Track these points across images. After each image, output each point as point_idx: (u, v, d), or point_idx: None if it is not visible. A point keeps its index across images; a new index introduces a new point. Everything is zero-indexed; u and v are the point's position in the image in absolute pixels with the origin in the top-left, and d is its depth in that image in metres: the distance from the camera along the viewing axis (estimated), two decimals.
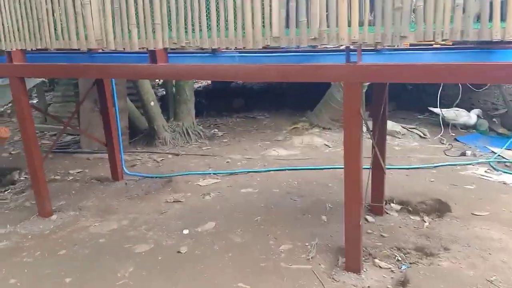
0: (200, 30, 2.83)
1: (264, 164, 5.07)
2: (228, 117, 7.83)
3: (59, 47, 3.36)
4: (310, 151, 5.50)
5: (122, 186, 4.68)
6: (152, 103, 6.05)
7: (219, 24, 2.78)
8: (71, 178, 5.11)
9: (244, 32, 2.70)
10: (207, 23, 2.81)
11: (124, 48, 3.11)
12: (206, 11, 2.79)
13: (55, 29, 3.32)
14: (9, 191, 4.86)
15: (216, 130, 6.97)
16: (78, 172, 5.34)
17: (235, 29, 2.72)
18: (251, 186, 4.41)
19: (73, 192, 4.60)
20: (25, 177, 5.47)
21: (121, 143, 4.88)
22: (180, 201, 4.13)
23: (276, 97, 8.70)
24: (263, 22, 2.66)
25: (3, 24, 3.48)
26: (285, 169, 4.82)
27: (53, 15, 3.29)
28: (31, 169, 3.91)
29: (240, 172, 4.82)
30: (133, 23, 3.01)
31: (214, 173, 4.81)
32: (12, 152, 6.49)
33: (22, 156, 6.18)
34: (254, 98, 9.08)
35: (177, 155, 5.65)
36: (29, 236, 3.63)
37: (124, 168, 4.97)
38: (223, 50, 3.18)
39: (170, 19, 2.90)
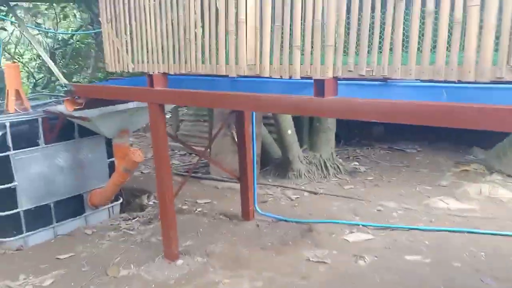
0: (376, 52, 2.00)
1: (431, 220, 3.99)
2: (368, 147, 6.84)
3: (205, 72, 2.84)
4: (494, 207, 4.23)
5: (253, 229, 4.04)
6: (289, 132, 5.38)
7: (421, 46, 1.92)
8: (198, 210, 4.65)
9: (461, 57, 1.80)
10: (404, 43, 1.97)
11: (281, 76, 2.43)
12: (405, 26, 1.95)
13: (202, 52, 2.80)
14: (136, 219, 4.57)
15: (356, 163, 6.04)
16: (206, 203, 4.88)
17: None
18: (419, 252, 3.39)
19: (201, 230, 4.09)
20: (154, 202, 5.20)
21: (256, 179, 4.26)
22: (325, 262, 3.30)
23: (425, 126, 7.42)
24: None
25: (146, 45, 3.10)
26: (464, 231, 3.67)
27: (202, 35, 2.77)
28: (162, 209, 3.46)
29: (399, 228, 3.82)
30: (297, 44, 2.31)
31: (363, 225, 3.90)
32: (143, 172, 6.39)
33: (152, 177, 6.02)
34: (396, 125, 7.91)
35: (315, 193, 4.86)
36: (152, 285, 3.15)
37: (256, 206, 4.34)
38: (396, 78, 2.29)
39: (348, 40, 2.13)
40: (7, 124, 4.01)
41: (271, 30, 2.43)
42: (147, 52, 3.11)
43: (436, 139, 6.71)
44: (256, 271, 3.25)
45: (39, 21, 9.30)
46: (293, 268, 3.25)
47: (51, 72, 9.13)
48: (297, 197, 4.79)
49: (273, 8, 2.39)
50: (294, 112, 2.88)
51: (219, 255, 3.54)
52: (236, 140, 5.53)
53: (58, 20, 9.38)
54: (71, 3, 7.54)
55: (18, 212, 4.17)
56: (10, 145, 4.05)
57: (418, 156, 6.23)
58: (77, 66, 9.15)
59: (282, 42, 2.39)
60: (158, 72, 3.08)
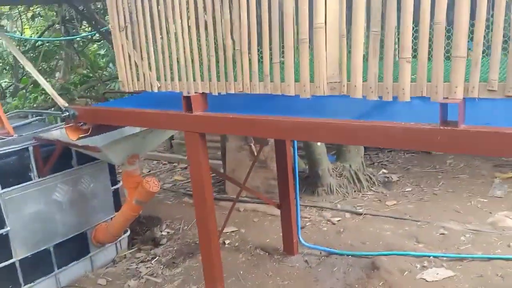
0: None
1: (509, 244, 3.44)
2: (391, 150, 6.25)
3: (264, 92, 2.15)
4: None
5: (303, 267, 3.39)
6: (319, 143, 4.75)
7: None
8: (227, 242, 3.98)
9: None
10: None
11: (381, 96, 1.78)
12: None
13: (260, 67, 2.11)
14: (156, 259, 3.85)
15: (385, 171, 5.46)
16: (233, 231, 4.21)
17: None
18: None
19: (241, 272, 3.42)
20: (168, 232, 4.50)
21: (299, 206, 3.61)
22: None
23: None
24: None
25: (180, 58, 2.38)
26: None
27: (260, 46, 2.08)
28: (205, 256, 2.74)
29: (478, 258, 3.25)
30: (405, 56, 1.66)
31: (435, 256, 3.31)
32: None
33: (161, 200, 5.30)
34: None
35: (358, 214, 4.24)
36: None
37: (300, 237, 3.69)
38: None
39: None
40: None
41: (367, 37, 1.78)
42: (180, 68, 2.40)
43: None
44: None
45: (2, 23, 8.27)
46: None
47: (17, 77, 8.08)
48: (339, 220, 4.16)
49: (368, 7, 1.74)
50: (420, 147, 2.08)
51: None
52: (255, 154, 4.89)
53: (26, 21, 8.36)
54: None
55: (13, 263, 3.41)
56: None
57: (448, 158, 5.70)
58: (47, 69, 8.13)
59: (382, 53, 1.74)
60: (196, 93, 2.37)
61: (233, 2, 2.10)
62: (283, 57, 2.03)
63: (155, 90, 2.55)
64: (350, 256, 3.44)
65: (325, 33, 1.86)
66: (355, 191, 4.81)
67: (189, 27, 2.29)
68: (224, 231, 4.22)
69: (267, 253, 3.66)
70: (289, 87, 2.04)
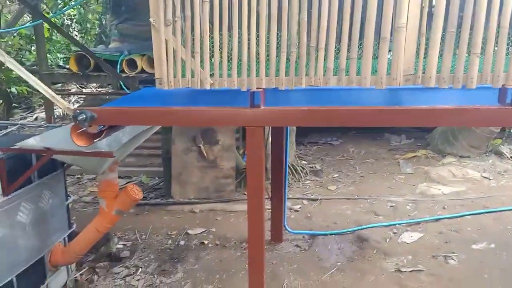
0: None
1: (443, 207, 4.36)
2: (299, 145, 6.95)
3: (337, 85, 2.41)
4: (478, 186, 4.87)
5: (297, 251, 3.67)
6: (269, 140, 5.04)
7: None
8: (204, 243, 3.96)
9: None
10: None
11: (453, 85, 2.27)
12: None
13: (335, 60, 2.36)
14: (139, 271, 3.59)
15: (304, 162, 6.08)
16: (203, 232, 4.19)
17: None
18: (477, 239, 3.67)
19: (245, 266, 3.50)
20: (124, 244, 4.21)
21: (286, 194, 3.86)
22: (421, 269, 3.28)
23: None
24: None
25: (242, 54, 2.42)
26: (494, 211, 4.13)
27: (338, 41, 2.33)
28: (252, 250, 2.79)
29: (429, 220, 4.05)
30: (476, 52, 2.18)
31: (399, 224, 3.99)
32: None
33: (90, 214, 4.84)
34: None
35: (314, 200, 4.71)
36: None
37: (286, 225, 3.95)
38: None
39: None
40: None
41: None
42: (242, 63, 2.45)
43: (338, 129, 7.30)
44: None
45: None
46: (400, 285, 3.11)
47: None
48: (300, 207, 4.56)
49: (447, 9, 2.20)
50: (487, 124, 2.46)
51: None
52: (206, 155, 4.96)
53: None
54: None
55: None
56: None
57: (348, 147, 6.67)
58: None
59: (456, 49, 2.24)
60: (259, 88, 2.47)
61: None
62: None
63: (207, 87, 2.52)
64: (333, 235, 3.87)
65: (406, 32, 2.24)
66: (295, 181, 5.28)
67: (257, 23, 2.38)
68: (190, 233, 4.20)
69: None
70: (365, 79, 2.35)
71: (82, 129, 2.64)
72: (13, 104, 9.48)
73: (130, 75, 5.25)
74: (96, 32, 10.91)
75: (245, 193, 5.06)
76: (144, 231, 4.34)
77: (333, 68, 2.38)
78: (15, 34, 7.87)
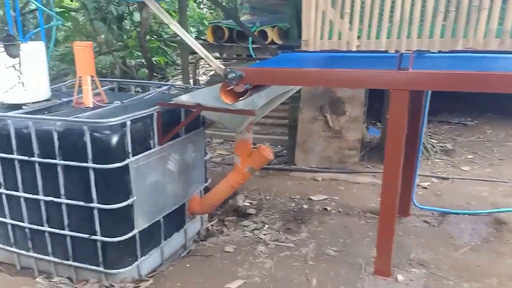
0: None
1: None
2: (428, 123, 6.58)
3: (499, 49, 2.25)
4: None
5: (425, 226, 3.57)
6: None
7: None
8: (326, 209, 4.04)
9: None
10: None
11: None
12: None
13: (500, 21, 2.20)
14: (265, 227, 3.81)
15: (434, 141, 5.76)
16: (324, 199, 4.27)
17: None
18: None
19: (371, 234, 3.52)
20: (250, 203, 4.48)
21: (417, 169, 3.74)
22: None
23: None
24: None
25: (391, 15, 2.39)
26: None
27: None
28: (384, 215, 2.80)
29: None
30: None
31: None
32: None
33: (219, 174, 5.22)
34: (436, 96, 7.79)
35: (445, 179, 4.49)
36: None
37: (415, 200, 3.84)
38: None
39: None
40: (128, 123, 3.04)
41: None
42: (393, 25, 2.41)
43: (479, 110, 6.67)
44: (498, 279, 2.81)
45: None
46: None
47: None
48: (429, 184, 4.38)
49: None
50: None
51: (433, 262, 3.02)
52: (332, 125, 4.97)
53: None
54: None
55: (134, 235, 3.25)
56: (130, 150, 3.10)
57: (484, 129, 6.13)
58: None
59: None
60: (408, 51, 2.41)
61: None
62: None
63: (353, 49, 2.54)
64: (466, 215, 3.66)
65: None
66: (423, 159, 5.05)
67: None
68: (312, 198, 4.30)
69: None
70: None
71: (230, 87, 2.86)
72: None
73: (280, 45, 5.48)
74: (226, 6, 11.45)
75: (369, 166, 5.01)
76: (268, 193, 4.57)
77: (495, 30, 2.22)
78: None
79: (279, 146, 6.15)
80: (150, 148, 3.33)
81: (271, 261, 3.17)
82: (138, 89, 4.42)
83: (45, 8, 3.83)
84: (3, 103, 3.39)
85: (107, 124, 2.92)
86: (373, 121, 6.19)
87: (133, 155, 3.13)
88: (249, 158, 3.67)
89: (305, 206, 4.15)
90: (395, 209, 2.71)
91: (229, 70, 2.80)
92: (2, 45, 2.99)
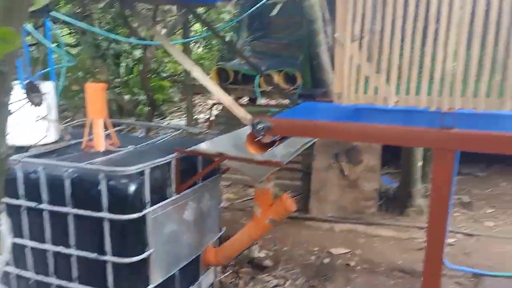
0: None
1: None
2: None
3: None
4: None
5: None
6: (419, 164, 4.79)
7: None
8: (350, 264, 3.83)
9: None
10: None
11: None
12: None
13: None
14: (287, 283, 3.59)
15: None
16: (345, 253, 4.06)
17: None
18: None
19: None
20: (266, 254, 4.25)
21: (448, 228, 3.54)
22: None
23: None
24: None
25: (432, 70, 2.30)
26: None
27: None
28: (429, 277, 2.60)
29: None
30: None
31: None
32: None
33: (231, 220, 5.03)
34: None
35: (470, 235, 4.30)
36: None
37: (445, 259, 3.63)
38: None
39: None
40: (147, 171, 2.89)
41: None
42: (434, 81, 2.32)
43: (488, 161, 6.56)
44: None
45: None
46: None
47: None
48: (454, 242, 4.19)
49: None
50: None
51: None
52: (348, 173, 4.83)
53: None
54: None
55: None
56: (148, 199, 2.94)
57: (498, 181, 6.00)
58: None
59: None
60: (451, 109, 2.31)
61: None
62: None
63: (391, 104, 2.44)
64: (503, 278, 3.45)
65: None
66: None
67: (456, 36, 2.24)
68: (335, 252, 4.09)
69: (408, 275, 3.57)
70: None
71: (258, 138, 2.74)
72: None
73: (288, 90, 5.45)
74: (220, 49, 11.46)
75: (387, 217, 4.83)
76: (284, 243, 4.36)
77: None
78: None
79: (289, 191, 5.97)
80: (167, 197, 3.16)
81: None
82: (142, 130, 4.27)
83: (56, 48, 3.75)
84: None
85: (125, 172, 2.77)
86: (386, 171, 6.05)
87: (151, 205, 2.97)
88: (270, 209, 3.50)
89: (326, 260, 3.93)
90: (439, 278, 2.53)
91: (257, 121, 2.68)
92: (24, 93, 2.87)
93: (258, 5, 5.85)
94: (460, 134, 2.23)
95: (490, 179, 6.16)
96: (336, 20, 2.48)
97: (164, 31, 8.65)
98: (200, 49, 12.32)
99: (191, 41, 8.04)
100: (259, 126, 2.68)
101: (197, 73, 2.94)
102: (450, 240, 4.18)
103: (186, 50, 7.24)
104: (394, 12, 2.31)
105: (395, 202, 4.92)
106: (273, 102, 9.54)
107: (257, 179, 3.48)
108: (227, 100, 2.85)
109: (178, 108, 11.23)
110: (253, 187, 4.96)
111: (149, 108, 8.72)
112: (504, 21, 2.11)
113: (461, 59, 2.25)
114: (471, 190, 5.77)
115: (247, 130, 2.77)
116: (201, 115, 10.21)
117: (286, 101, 6.54)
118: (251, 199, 5.37)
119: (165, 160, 3.07)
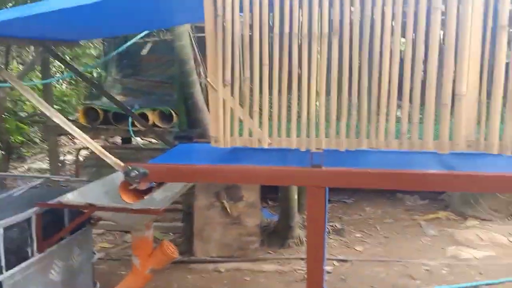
0: None
1: (480, 272, 4.22)
2: None
3: (398, 149, 2.41)
4: (506, 251, 4.75)
5: None
6: (296, 197, 4.99)
7: None
8: None
9: None
10: None
11: None
12: None
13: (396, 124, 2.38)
14: None
15: None
16: None
17: None
18: None
19: None
20: None
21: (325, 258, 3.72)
22: None
23: None
24: None
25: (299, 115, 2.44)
26: None
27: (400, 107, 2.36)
28: None
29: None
30: None
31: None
32: None
33: (110, 272, 4.65)
34: None
35: (344, 261, 4.57)
36: None
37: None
38: None
39: None
40: (0, 231, 2.54)
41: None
42: (301, 125, 2.46)
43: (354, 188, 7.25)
44: None
45: None
46: None
47: None
48: (332, 269, 4.41)
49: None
50: None
51: None
52: (230, 211, 4.86)
53: None
54: None
55: None
56: (3, 264, 2.57)
57: (363, 206, 6.59)
58: None
59: None
60: (318, 149, 2.46)
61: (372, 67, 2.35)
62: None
63: (265, 146, 2.50)
64: None
65: (466, 100, 2.28)
66: None
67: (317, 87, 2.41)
68: None
69: None
70: (427, 144, 2.36)
71: (133, 186, 2.58)
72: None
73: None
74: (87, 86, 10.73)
75: (270, 251, 4.92)
76: None
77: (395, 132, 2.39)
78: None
79: (170, 233, 5.75)
80: (28, 258, 2.78)
81: None
82: None
83: None
84: None
85: None
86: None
87: (8, 269, 2.58)
88: (150, 258, 3.31)
89: None
90: None
91: (130, 168, 2.53)
92: None
93: (127, 44, 5.70)
94: (329, 172, 2.38)
95: (357, 205, 6.73)
96: (208, 65, 2.50)
97: (21, 68, 7.86)
98: (64, 86, 11.35)
99: (51, 81, 7.42)
100: (133, 174, 2.52)
101: (58, 118, 2.68)
102: (328, 268, 4.40)
103: (47, 89, 6.66)
104: (260, 60, 2.41)
105: (276, 235, 5.05)
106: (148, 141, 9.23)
107: (133, 227, 3.27)
108: (95, 146, 2.64)
109: (41, 150, 10.19)
110: (130, 232, 4.70)
111: (3, 153, 7.75)
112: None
113: (322, 103, 2.43)
114: (342, 216, 6.23)
115: (120, 175, 2.59)
116: (69, 157, 9.42)
117: (161, 142, 6.36)
118: (129, 245, 5.03)
119: (24, 216, 2.71)
